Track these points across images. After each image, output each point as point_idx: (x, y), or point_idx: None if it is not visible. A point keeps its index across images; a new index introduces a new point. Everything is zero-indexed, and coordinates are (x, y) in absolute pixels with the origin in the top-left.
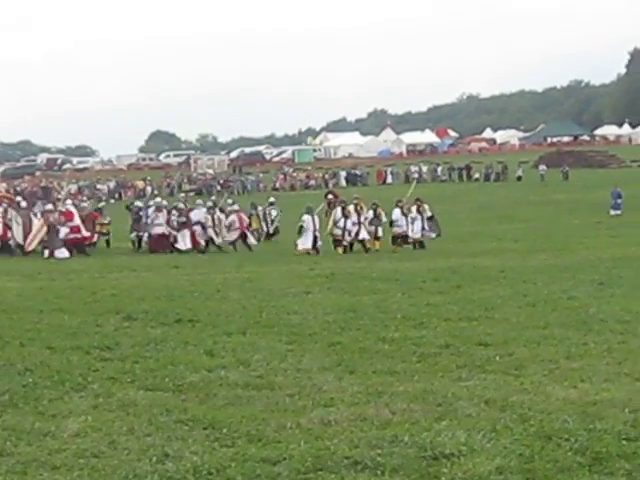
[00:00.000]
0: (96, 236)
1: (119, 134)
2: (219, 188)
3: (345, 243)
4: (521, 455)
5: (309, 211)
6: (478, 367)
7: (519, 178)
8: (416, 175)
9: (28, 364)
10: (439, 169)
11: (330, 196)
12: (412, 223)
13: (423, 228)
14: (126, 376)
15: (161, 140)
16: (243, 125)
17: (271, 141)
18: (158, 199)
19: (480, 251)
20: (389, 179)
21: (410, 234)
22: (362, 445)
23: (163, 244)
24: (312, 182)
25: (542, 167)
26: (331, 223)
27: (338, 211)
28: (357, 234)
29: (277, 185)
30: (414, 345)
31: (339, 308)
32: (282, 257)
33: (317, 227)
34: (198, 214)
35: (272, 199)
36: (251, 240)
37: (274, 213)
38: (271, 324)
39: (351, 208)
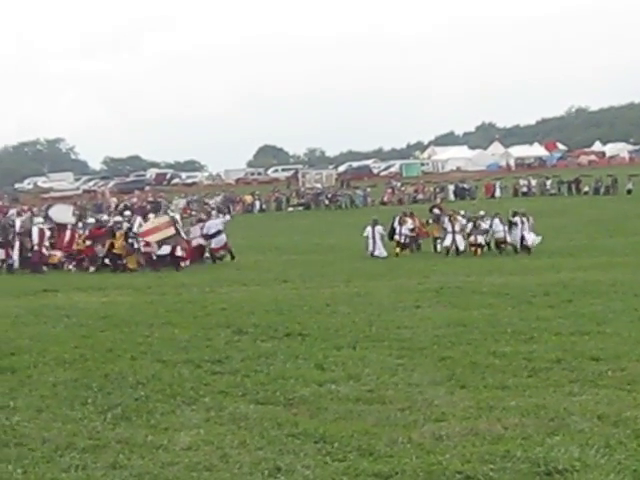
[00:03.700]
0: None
1: (227, 149)
2: (327, 202)
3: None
4: (635, 471)
5: (372, 223)
6: (590, 382)
7: (629, 191)
8: (525, 189)
9: (140, 377)
10: (548, 183)
11: (436, 210)
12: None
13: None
14: (237, 390)
15: (269, 155)
16: (351, 139)
17: (379, 155)
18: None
19: (590, 265)
20: (497, 192)
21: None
22: (474, 460)
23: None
24: (420, 196)
25: None
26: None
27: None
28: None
29: (385, 199)
30: (525, 360)
31: (449, 322)
32: (390, 272)
33: (377, 237)
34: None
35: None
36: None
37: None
38: (381, 338)
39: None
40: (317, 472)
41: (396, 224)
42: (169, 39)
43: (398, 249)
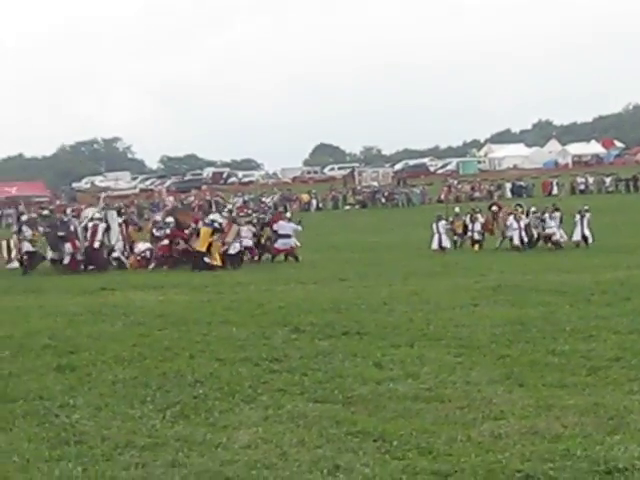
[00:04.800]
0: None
1: (284, 147)
2: (384, 200)
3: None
4: None
5: (437, 219)
6: None
7: None
8: (582, 187)
9: (198, 376)
10: (608, 180)
11: (494, 207)
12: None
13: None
14: (295, 388)
15: (325, 153)
16: (407, 137)
17: (435, 153)
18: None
19: None
20: (555, 190)
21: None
22: (534, 459)
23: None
24: (477, 194)
25: None
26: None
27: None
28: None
29: (442, 197)
30: (584, 358)
31: (507, 321)
32: (447, 270)
33: (442, 231)
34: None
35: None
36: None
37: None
38: (439, 336)
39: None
40: (376, 470)
41: (468, 221)
42: (226, 36)
43: (477, 246)
